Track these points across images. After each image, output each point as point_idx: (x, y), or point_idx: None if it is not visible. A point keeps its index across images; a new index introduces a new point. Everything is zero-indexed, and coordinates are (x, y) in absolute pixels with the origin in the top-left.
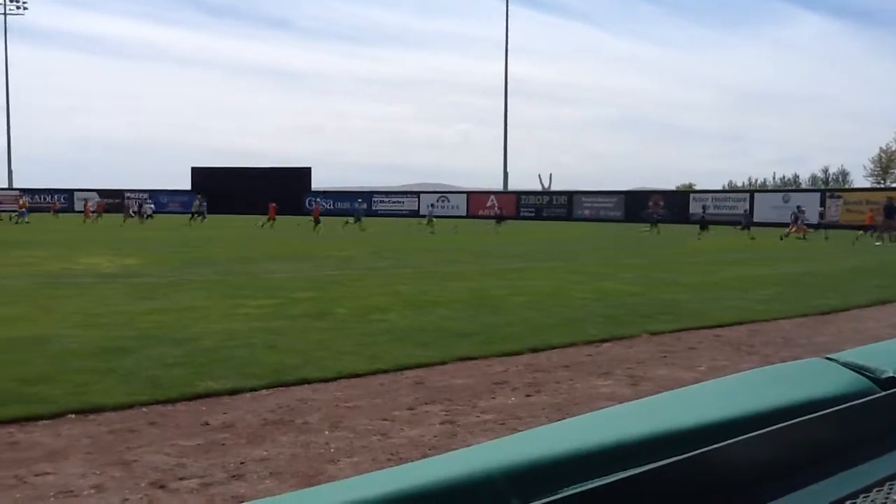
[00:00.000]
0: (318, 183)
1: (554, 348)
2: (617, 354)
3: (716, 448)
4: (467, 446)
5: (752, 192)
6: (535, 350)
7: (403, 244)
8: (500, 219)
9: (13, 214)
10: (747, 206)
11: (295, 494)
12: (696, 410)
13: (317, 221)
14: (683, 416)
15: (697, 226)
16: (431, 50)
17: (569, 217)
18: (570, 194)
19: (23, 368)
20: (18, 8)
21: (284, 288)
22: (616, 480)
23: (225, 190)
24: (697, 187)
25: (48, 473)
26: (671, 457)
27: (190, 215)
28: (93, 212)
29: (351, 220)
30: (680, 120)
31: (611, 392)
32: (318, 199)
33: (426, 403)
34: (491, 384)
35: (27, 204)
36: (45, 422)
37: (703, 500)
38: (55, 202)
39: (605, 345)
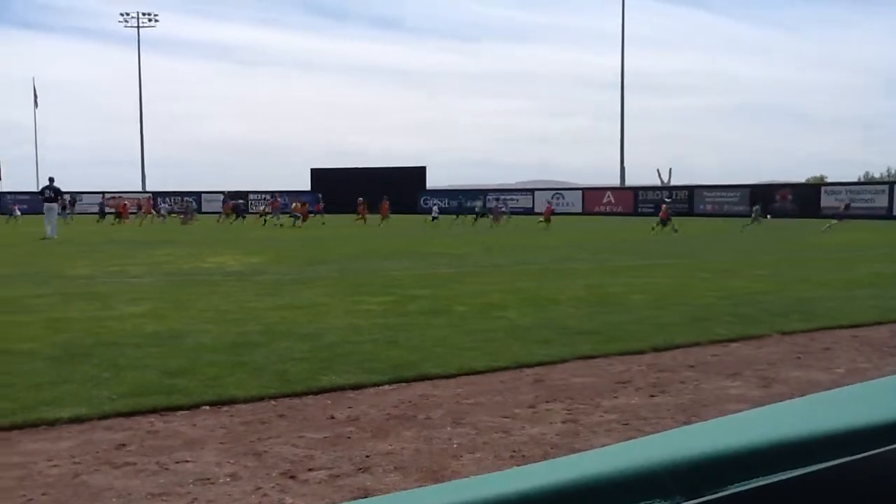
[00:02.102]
0: (433, 181)
1: (678, 348)
2: (746, 355)
3: (888, 450)
4: (594, 445)
5: (891, 183)
6: (657, 349)
7: (518, 241)
8: (664, 222)
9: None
10: (886, 199)
11: (463, 482)
12: (863, 411)
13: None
14: (848, 417)
15: (832, 220)
16: (542, 44)
17: (690, 212)
18: (692, 189)
19: (162, 361)
20: (150, 21)
21: (402, 285)
22: (781, 480)
23: (343, 190)
24: (830, 179)
25: (187, 461)
26: (836, 459)
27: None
28: (226, 214)
29: (473, 217)
30: (809, 107)
31: (740, 394)
32: (432, 199)
33: (547, 401)
34: (613, 383)
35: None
36: (182, 412)
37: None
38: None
39: (733, 345)
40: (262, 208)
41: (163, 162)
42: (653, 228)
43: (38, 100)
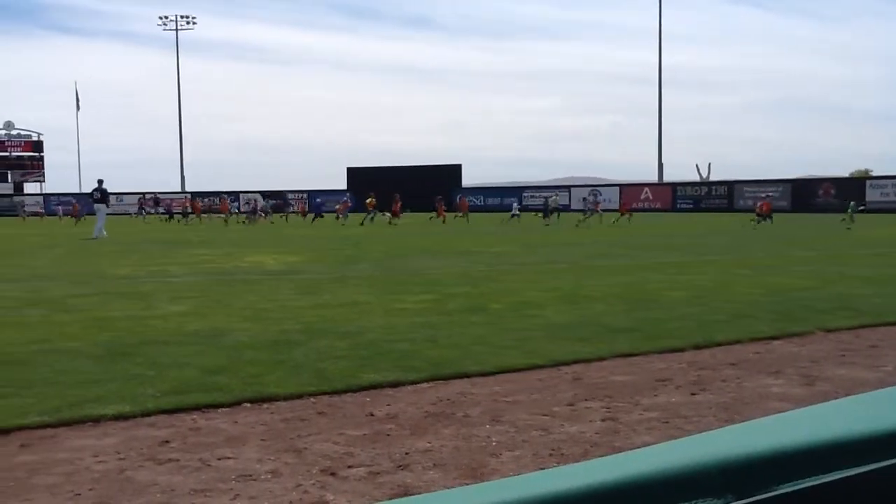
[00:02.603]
0: (468, 179)
1: (719, 345)
2: (788, 352)
3: None
4: (634, 444)
5: None
6: (698, 347)
7: (555, 239)
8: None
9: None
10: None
11: (506, 481)
12: None
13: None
14: None
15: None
16: (576, 41)
17: (730, 208)
18: (731, 184)
19: (203, 359)
20: (188, 23)
21: (440, 283)
22: (834, 480)
23: (379, 189)
24: (875, 173)
25: (228, 458)
26: (890, 459)
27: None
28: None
29: (540, 214)
30: (852, 100)
31: (783, 392)
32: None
33: (586, 400)
34: (653, 381)
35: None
36: (223, 409)
37: None
38: (224, 203)
39: (775, 342)
40: (337, 207)
41: (199, 162)
42: (752, 220)
43: (80, 103)
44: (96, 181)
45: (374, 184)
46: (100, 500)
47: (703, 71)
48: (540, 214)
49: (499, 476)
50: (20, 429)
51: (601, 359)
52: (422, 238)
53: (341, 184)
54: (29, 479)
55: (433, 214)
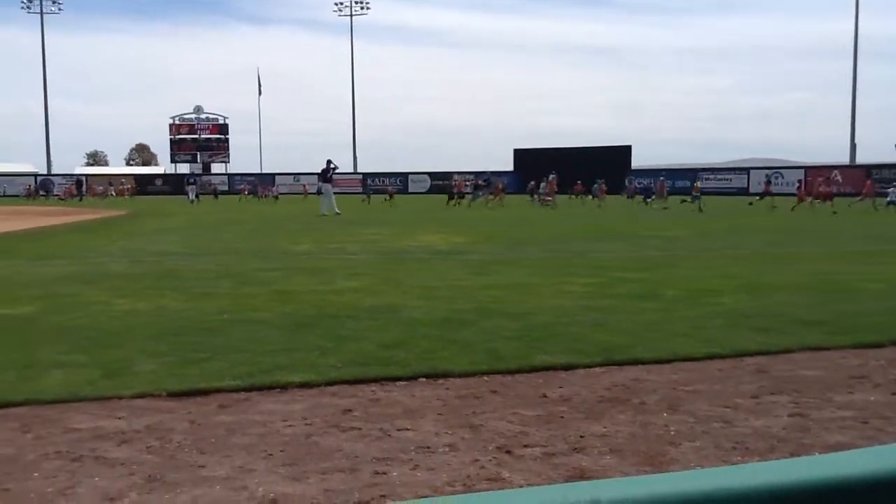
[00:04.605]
0: (638, 161)
1: None
2: None
3: None
4: (827, 442)
5: None
6: None
7: (733, 223)
8: None
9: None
10: None
11: (709, 471)
12: None
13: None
14: None
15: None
16: (754, 13)
17: None
18: None
19: (380, 334)
20: (363, 9)
21: (609, 267)
22: None
23: (545, 171)
24: None
25: (407, 429)
26: None
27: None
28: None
29: (688, 199)
30: None
31: None
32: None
33: (771, 393)
34: (847, 378)
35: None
36: (401, 383)
37: None
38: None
39: None
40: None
41: (371, 143)
42: None
43: (262, 88)
44: (325, 161)
45: (541, 166)
46: (290, 462)
47: None
48: (688, 199)
49: (679, 466)
50: (217, 391)
51: (788, 351)
52: (585, 221)
53: (508, 165)
54: (228, 437)
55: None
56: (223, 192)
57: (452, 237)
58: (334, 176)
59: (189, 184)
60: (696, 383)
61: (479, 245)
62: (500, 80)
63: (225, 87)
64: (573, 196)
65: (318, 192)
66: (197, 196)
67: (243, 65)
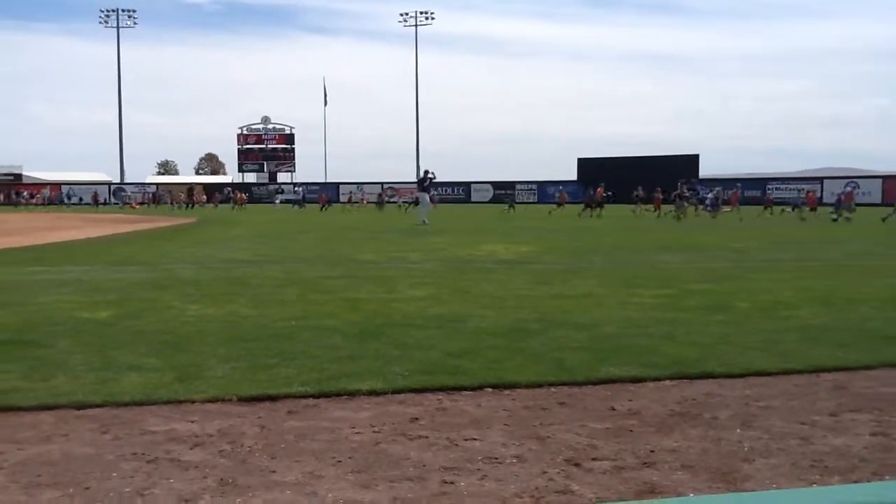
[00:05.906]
0: (706, 170)
1: None
2: None
3: None
4: None
5: None
6: None
7: (806, 234)
8: None
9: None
10: None
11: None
12: None
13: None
14: None
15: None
16: (827, 17)
17: None
18: None
19: (446, 343)
20: (427, 19)
21: (678, 279)
22: None
23: (612, 180)
24: None
25: (474, 439)
26: None
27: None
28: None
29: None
30: None
31: None
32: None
33: (851, 411)
34: None
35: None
36: (467, 392)
37: None
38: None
39: None
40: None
41: (434, 153)
42: None
43: (328, 98)
44: (422, 171)
45: (605, 176)
46: (359, 469)
47: None
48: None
49: (754, 483)
50: (287, 397)
51: (868, 367)
52: (651, 232)
53: (571, 174)
54: (297, 443)
55: (647, 207)
56: (290, 201)
57: (516, 247)
58: (431, 185)
59: (278, 192)
60: (771, 399)
61: (543, 255)
62: (564, 88)
63: (291, 97)
64: (646, 209)
65: (415, 203)
66: (301, 202)
67: (310, 75)
